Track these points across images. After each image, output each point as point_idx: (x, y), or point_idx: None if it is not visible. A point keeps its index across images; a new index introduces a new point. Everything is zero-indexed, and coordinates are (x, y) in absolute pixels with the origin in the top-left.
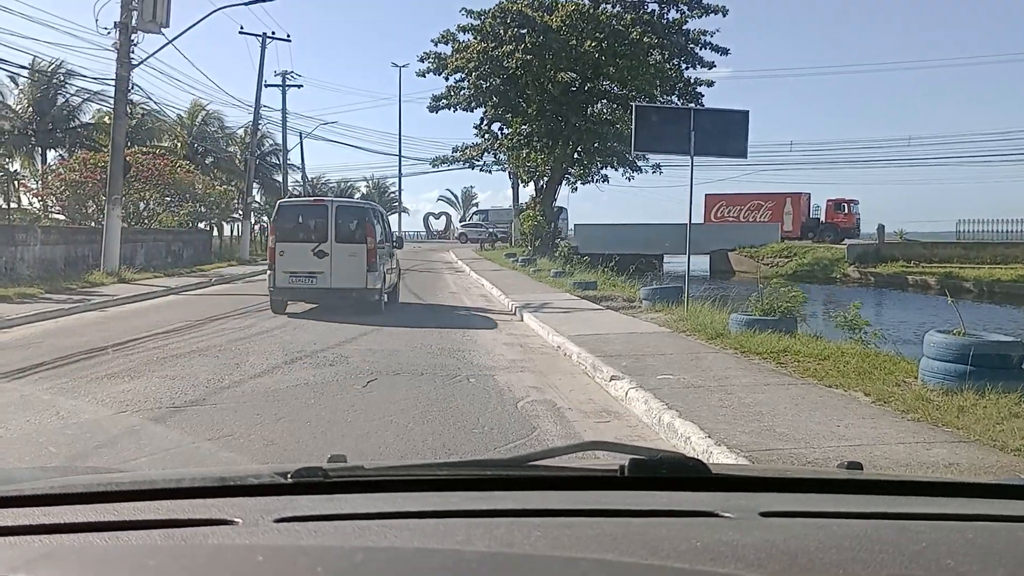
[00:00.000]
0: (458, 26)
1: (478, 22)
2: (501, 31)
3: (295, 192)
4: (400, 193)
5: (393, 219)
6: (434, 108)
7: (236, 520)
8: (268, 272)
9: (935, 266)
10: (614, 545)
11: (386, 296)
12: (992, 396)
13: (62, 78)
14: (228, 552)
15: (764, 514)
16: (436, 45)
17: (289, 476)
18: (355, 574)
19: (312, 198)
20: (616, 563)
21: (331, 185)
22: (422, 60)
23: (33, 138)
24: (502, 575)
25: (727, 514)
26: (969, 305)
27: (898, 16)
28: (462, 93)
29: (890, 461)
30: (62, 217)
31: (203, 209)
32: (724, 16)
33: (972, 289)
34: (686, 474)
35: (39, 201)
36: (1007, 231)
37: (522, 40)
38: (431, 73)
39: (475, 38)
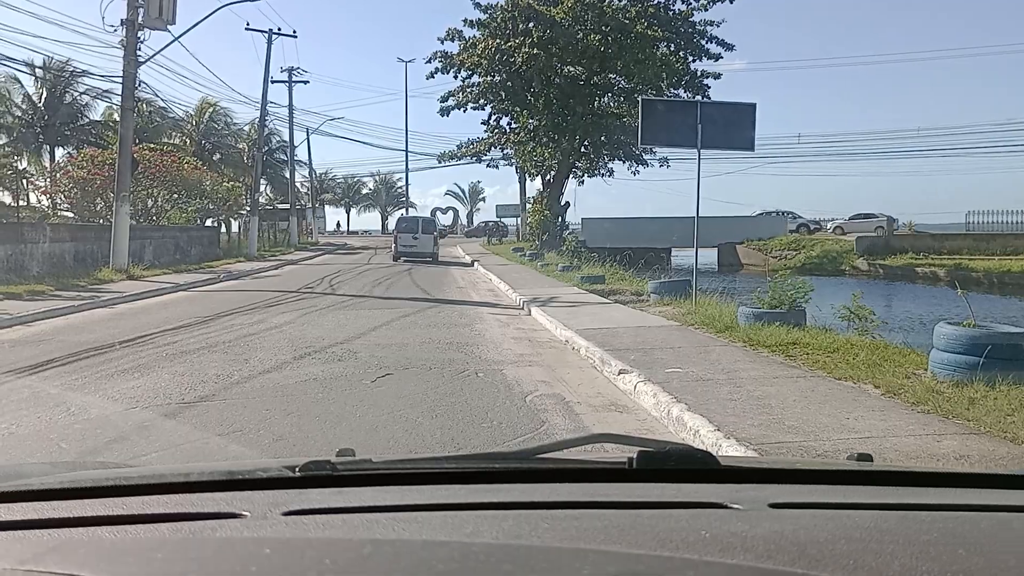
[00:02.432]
0: (464, 21)
1: (486, 16)
2: (509, 26)
3: (304, 187)
4: (407, 188)
5: (400, 213)
6: (445, 111)
7: (244, 513)
8: (392, 244)
9: (944, 258)
10: (622, 537)
11: (438, 255)
12: (1003, 388)
13: (69, 76)
14: (236, 545)
15: (773, 505)
16: (442, 43)
17: (297, 470)
18: (363, 567)
19: (411, 216)
20: (624, 554)
21: (338, 181)
22: (429, 61)
23: (41, 136)
24: (509, 567)
25: (736, 505)
26: (979, 297)
27: (908, 6)
28: (470, 91)
29: (900, 453)
30: (71, 214)
31: (211, 206)
32: (732, 3)
33: (982, 280)
34: (695, 466)
35: (48, 199)
36: (1017, 222)
37: (529, 34)
38: (439, 73)
39: (482, 33)
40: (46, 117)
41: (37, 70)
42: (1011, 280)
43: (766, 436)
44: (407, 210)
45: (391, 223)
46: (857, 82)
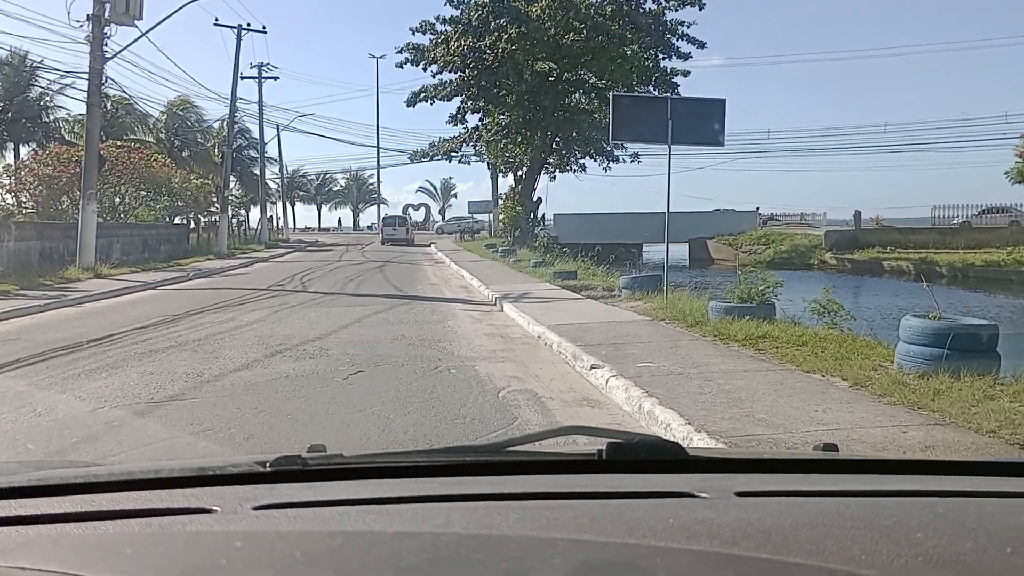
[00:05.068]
0: (437, 16)
1: (458, 12)
2: (482, 23)
3: (275, 184)
4: (379, 185)
5: (372, 210)
6: (412, 102)
7: (214, 508)
8: (379, 234)
9: (911, 251)
10: (592, 526)
11: (412, 240)
12: (967, 379)
13: (32, 71)
14: (206, 539)
15: (740, 494)
16: (414, 35)
17: (268, 465)
18: (333, 558)
19: (392, 215)
20: (593, 542)
21: (310, 178)
22: (400, 51)
23: (5, 132)
24: (479, 556)
25: (703, 494)
26: (943, 290)
27: (875, 4)
28: (442, 89)
29: (867, 444)
30: (36, 212)
31: (180, 203)
32: (700, 9)
33: (946, 274)
34: (663, 456)
35: (12, 196)
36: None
37: (505, 31)
38: (409, 64)
39: (454, 29)
40: (9, 113)
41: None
42: (974, 273)
43: (736, 429)
44: (379, 207)
45: (363, 220)
46: (826, 78)
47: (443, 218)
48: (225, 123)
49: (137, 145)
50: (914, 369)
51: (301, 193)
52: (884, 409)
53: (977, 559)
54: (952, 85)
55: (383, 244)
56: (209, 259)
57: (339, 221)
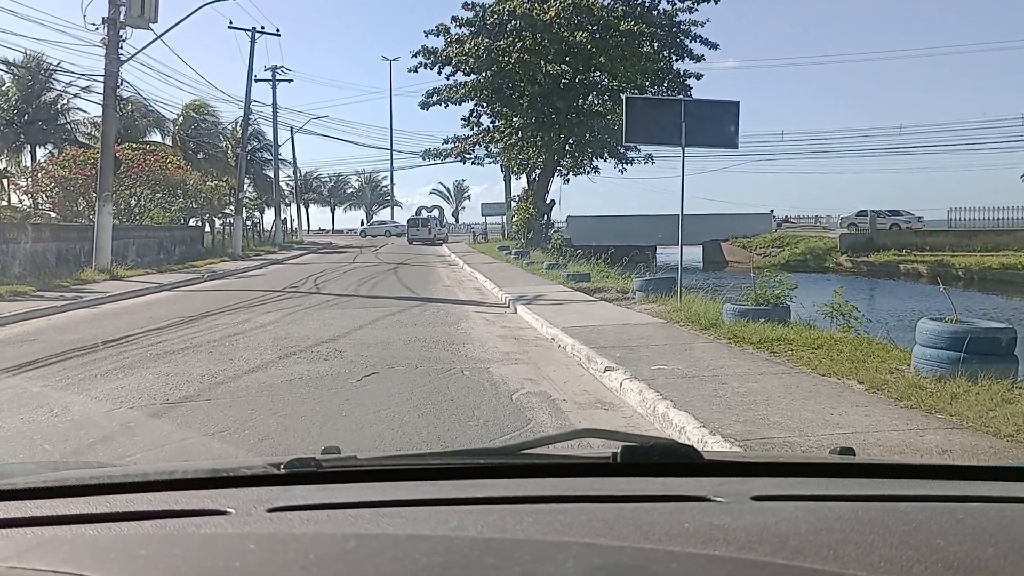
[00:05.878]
0: (452, 18)
1: (472, 14)
2: (498, 28)
3: (289, 186)
4: (392, 187)
5: (386, 212)
6: (425, 105)
7: (229, 510)
8: (407, 235)
9: (927, 254)
10: (606, 529)
11: (440, 242)
12: (985, 382)
13: (46, 74)
14: (220, 541)
15: (756, 498)
16: (427, 37)
17: (282, 467)
18: (347, 560)
19: (416, 216)
20: (607, 547)
21: (323, 179)
22: (415, 55)
23: (22, 134)
24: (493, 560)
25: (719, 498)
26: (959, 293)
27: (890, 3)
28: (455, 90)
29: (884, 448)
30: (53, 214)
31: (195, 205)
32: (716, 3)
33: (962, 277)
34: (678, 460)
35: (29, 198)
36: (998, 219)
37: (520, 36)
38: (424, 68)
39: (469, 31)
40: (26, 116)
41: (15, 68)
42: (991, 276)
43: (751, 432)
44: (392, 210)
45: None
46: (840, 80)
47: (456, 220)
48: (239, 125)
49: (152, 147)
50: (931, 373)
51: (315, 195)
52: (901, 413)
53: (999, 565)
54: (968, 87)
55: (410, 243)
56: (223, 261)
57: (361, 222)
